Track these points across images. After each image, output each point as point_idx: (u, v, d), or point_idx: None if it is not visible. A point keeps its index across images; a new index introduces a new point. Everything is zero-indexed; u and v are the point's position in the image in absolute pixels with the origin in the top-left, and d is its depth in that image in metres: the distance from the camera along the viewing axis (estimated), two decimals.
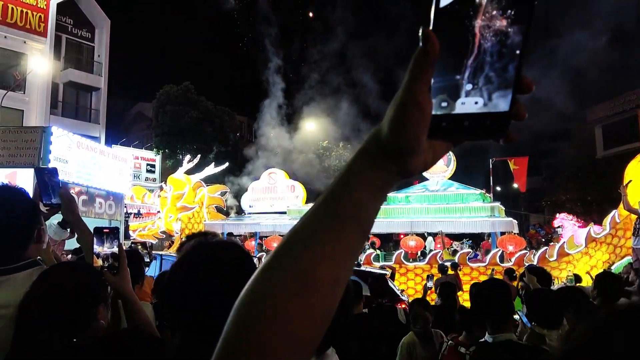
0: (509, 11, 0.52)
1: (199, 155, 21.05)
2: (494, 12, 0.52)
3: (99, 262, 1.83)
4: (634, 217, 10.15)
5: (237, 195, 23.96)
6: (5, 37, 24.75)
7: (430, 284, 9.25)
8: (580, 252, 12.64)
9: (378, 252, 16.96)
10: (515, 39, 0.53)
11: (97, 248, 1.84)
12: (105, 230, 1.86)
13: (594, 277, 5.06)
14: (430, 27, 0.53)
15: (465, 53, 0.54)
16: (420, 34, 0.53)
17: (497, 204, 15.92)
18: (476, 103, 0.55)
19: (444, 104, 0.56)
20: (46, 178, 2.06)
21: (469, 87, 0.55)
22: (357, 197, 0.58)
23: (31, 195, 2.01)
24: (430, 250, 16.09)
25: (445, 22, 0.53)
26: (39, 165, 13.75)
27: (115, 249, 1.83)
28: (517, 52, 0.53)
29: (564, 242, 13.24)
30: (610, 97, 34.45)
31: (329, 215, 0.58)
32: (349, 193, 0.58)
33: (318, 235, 0.57)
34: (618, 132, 33.24)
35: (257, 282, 0.58)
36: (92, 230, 1.91)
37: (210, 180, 20.47)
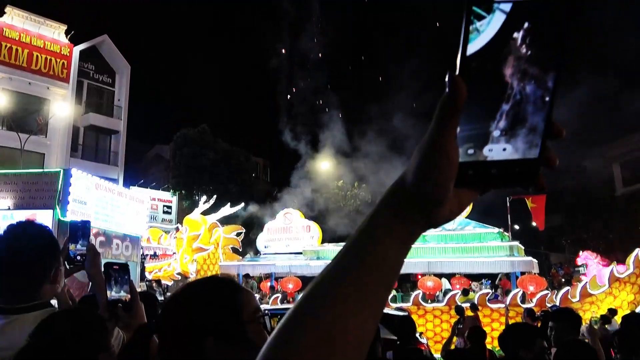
0: (540, 57, 0.51)
1: (214, 196, 21.19)
2: (524, 58, 0.51)
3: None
4: None
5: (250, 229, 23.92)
6: (29, 83, 25.63)
7: (461, 325, 9.29)
8: (603, 292, 12.29)
9: (395, 293, 16.68)
10: (546, 85, 0.52)
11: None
12: (115, 267, 1.79)
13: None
14: (457, 72, 0.52)
15: (492, 99, 0.53)
16: (446, 79, 0.51)
17: (516, 243, 15.65)
18: (504, 150, 0.54)
19: (470, 151, 0.54)
20: (79, 231, 2.04)
21: (496, 133, 0.53)
22: (381, 250, 0.55)
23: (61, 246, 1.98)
24: (447, 291, 15.75)
25: (472, 68, 0.52)
26: (57, 207, 13.96)
27: (124, 293, 1.77)
28: (547, 98, 0.52)
29: (587, 282, 12.91)
30: (629, 133, 34.20)
31: (352, 270, 0.55)
32: (372, 245, 0.55)
33: (342, 291, 0.54)
34: (637, 169, 32.83)
35: (277, 345, 0.53)
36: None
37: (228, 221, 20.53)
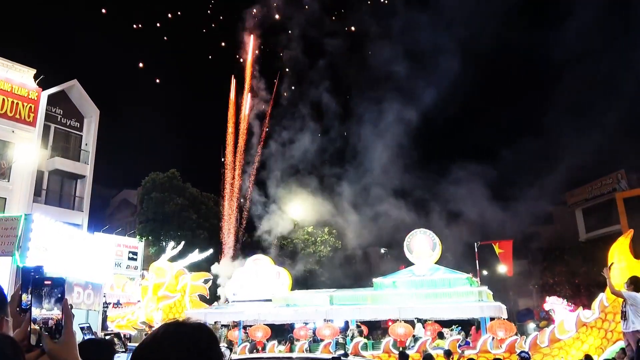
0: None
1: (182, 242, 20.77)
2: None
3: (36, 327, 1.47)
4: (621, 300, 10.06)
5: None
6: None
7: None
8: (571, 337, 12.39)
9: (366, 340, 16.41)
10: None
11: (34, 311, 1.47)
12: (46, 283, 1.50)
13: None
14: None
15: None
16: None
17: (485, 288, 15.74)
18: None
19: None
20: (31, 278, 1.86)
21: None
22: None
23: (10, 292, 1.88)
24: (417, 338, 15.58)
25: None
26: (17, 254, 13.44)
27: (57, 311, 1.47)
28: None
29: (554, 327, 13.01)
30: (587, 181, 35.45)
31: None
32: None
33: None
34: (598, 216, 33.87)
35: None
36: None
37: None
